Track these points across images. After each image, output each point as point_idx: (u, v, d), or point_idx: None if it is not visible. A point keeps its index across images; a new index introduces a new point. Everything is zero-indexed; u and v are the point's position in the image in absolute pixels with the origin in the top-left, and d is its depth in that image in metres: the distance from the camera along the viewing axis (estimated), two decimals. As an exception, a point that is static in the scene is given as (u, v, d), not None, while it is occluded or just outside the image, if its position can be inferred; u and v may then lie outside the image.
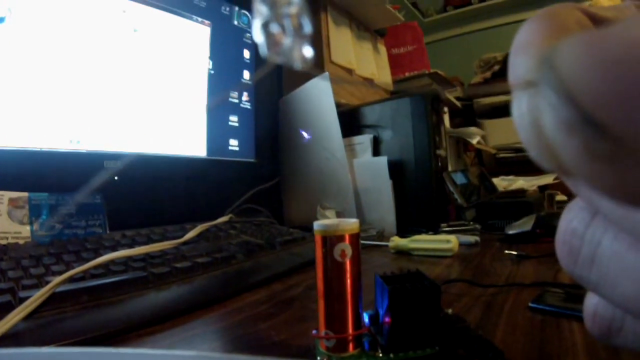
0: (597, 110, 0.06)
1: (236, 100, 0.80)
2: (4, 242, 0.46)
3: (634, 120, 0.06)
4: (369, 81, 1.21)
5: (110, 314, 0.32)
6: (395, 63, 1.46)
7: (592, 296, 0.13)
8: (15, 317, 0.28)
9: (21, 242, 0.47)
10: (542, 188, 1.07)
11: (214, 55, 0.75)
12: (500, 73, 2.26)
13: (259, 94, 0.85)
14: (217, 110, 0.76)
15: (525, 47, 0.09)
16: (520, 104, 0.08)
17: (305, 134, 0.86)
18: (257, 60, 0.83)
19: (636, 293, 0.10)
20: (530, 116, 0.08)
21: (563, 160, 0.07)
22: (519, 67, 0.09)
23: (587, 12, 0.12)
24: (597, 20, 0.12)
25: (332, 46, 1.04)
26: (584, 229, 0.12)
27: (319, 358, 0.25)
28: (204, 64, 0.73)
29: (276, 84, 0.98)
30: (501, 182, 1.14)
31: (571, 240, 0.12)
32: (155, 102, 0.66)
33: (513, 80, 0.09)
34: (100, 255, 0.39)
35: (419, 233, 0.62)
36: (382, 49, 1.37)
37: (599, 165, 0.07)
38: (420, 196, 0.82)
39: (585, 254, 0.12)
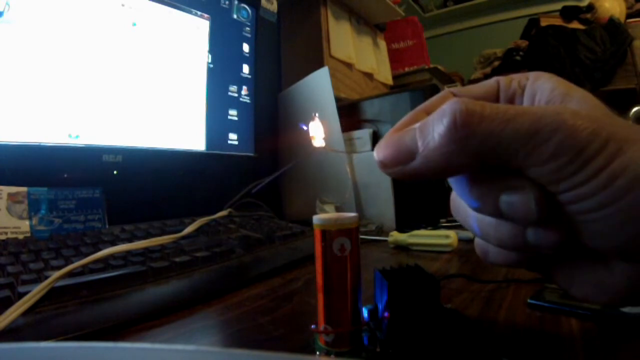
0: (380, 159, 0.21)
1: (235, 94, 0.80)
2: (3, 237, 0.46)
3: (389, 163, 0.20)
4: (368, 76, 1.21)
5: (110, 309, 0.32)
6: (395, 58, 1.45)
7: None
8: (14, 312, 0.28)
9: (20, 237, 0.47)
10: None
11: (213, 49, 0.74)
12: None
13: (259, 88, 0.85)
14: (217, 104, 0.76)
15: (391, 129, 0.22)
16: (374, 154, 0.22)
17: (305, 127, 0.85)
18: (257, 53, 0.83)
19: (472, 226, 0.22)
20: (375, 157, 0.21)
21: None
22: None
23: (457, 95, 0.23)
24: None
25: (331, 41, 1.04)
26: (455, 195, 0.22)
27: (318, 352, 0.25)
28: (203, 58, 0.73)
29: (276, 78, 0.97)
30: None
31: (453, 200, 0.23)
32: (154, 96, 0.65)
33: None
34: (100, 249, 0.39)
35: (418, 228, 0.62)
36: (382, 43, 1.37)
37: (383, 169, 0.21)
38: (419, 191, 0.82)
39: (455, 207, 0.23)
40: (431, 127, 0.18)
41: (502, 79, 0.24)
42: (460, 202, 0.22)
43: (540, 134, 0.16)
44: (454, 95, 0.24)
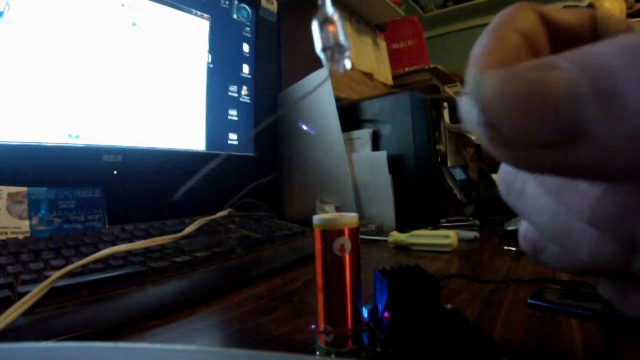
0: (493, 119, 0.10)
1: (235, 94, 0.80)
2: (3, 237, 0.46)
3: (512, 126, 0.10)
4: (368, 76, 1.21)
5: (110, 309, 0.32)
6: (395, 58, 1.45)
7: (524, 222, 0.17)
8: (14, 312, 0.28)
9: (20, 237, 0.47)
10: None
11: (213, 49, 0.74)
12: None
13: (259, 88, 0.85)
14: (217, 104, 0.76)
15: (472, 63, 0.13)
16: (463, 103, 0.11)
17: (305, 127, 0.85)
18: (257, 53, 0.83)
19: (549, 224, 0.15)
20: (465, 112, 0.11)
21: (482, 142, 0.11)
22: (467, 78, 0.12)
23: (543, 14, 0.15)
24: (551, 23, 0.15)
25: (331, 40, 1.04)
26: (516, 172, 0.16)
27: (318, 352, 0.25)
28: (203, 58, 0.73)
29: (276, 78, 0.97)
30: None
31: (507, 177, 0.16)
32: (155, 96, 0.65)
33: (465, 86, 0.12)
34: (100, 249, 0.39)
35: (418, 228, 0.62)
36: (382, 43, 1.37)
37: (497, 148, 0.11)
38: (419, 191, 0.82)
39: (517, 189, 0.16)
40: (625, 82, 0.09)
41: (600, 16, 0.17)
42: (527, 187, 0.15)
43: None
44: (544, 14, 0.15)
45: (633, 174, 0.10)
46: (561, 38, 0.15)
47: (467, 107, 0.11)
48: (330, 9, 0.21)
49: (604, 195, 0.12)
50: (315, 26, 0.22)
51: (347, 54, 0.22)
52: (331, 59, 0.22)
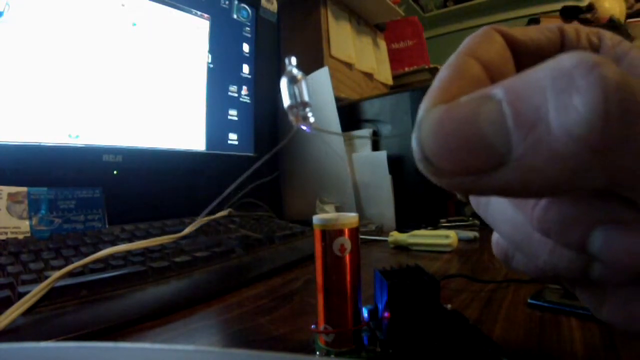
0: (428, 154, 0.11)
1: (235, 94, 0.80)
2: (3, 237, 0.46)
3: (444, 160, 0.11)
4: (368, 76, 1.21)
5: (110, 309, 0.32)
6: (395, 58, 1.45)
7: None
8: (14, 312, 0.28)
9: (20, 237, 0.47)
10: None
11: (213, 49, 0.74)
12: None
13: (259, 87, 0.85)
14: (217, 104, 0.76)
15: (424, 98, 0.13)
16: (412, 140, 0.12)
17: (305, 128, 0.85)
18: (257, 53, 0.83)
19: (512, 234, 0.16)
20: (413, 147, 0.12)
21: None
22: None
23: (508, 37, 0.15)
24: (515, 44, 0.16)
25: (331, 41, 1.04)
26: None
27: (318, 352, 0.25)
28: (203, 58, 0.73)
29: (276, 78, 0.97)
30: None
31: None
32: (155, 96, 0.65)
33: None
34: (100, 249, 0.39)
35: (418, 228, 0.62)
36: (382, 43, 1.36)
37: (433, 178, 0.12)
38: (419, 191, 0.82)
39: (484, 201, 0.17)
40: (543, 109, 0.10)
41: (567, 29, 0.17)
42: (492, 200, 0.16)
43: None
44: (506, 36, 0.15)
45: (560, 192, 0.11)
46: (530, 59, 0.15)
47: (413, 144, 0.12)
48: (296, 70, 0.25)
49: (549, 207, 0.13)
50: (283, 84, 0.25)
51: (309, 109, 0.25)
52: (296, 115, 0.25)
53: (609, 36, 0.16)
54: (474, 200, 0.17)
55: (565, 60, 0.10)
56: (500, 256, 0.18)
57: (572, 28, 0.17)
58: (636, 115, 0.09)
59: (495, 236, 0.18)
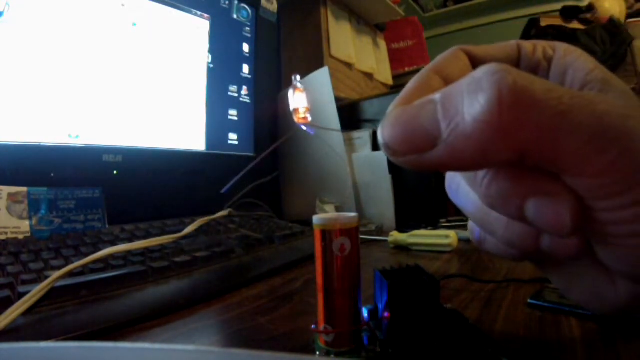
0: (387, 140, 0.15)
1: (235, 94, 0.80)
2: (3, 237, 0.46)
3: (397, 143, 0.15)
4: (368, 76, 1.21)
5: (110, 309, 0.32)
6: (395, 58, 1.45)
7: None
8: (14, 312, 0.28)
9: (20, 237, 0.47)
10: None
11: (213, 49, 0.74)
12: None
13: (259, 88, 0.85)
14: (217, 104, 0.76)
15: (394, 100, 0.17)
16: (379, 128, 0.16)
17: (304, 128, 0.85)
18: (257, 53, 0.83)
19: (475, 214, 0.19)
20: (378, 136, 0.16)
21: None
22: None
23: (471, 55, 0.20)
24: (476, 60, 0.20)
25: (331, 40, 1.04)
26: (454, 175, 0.20)
27: (318, 352, 0.25)
28: (203, 58, 0.73)
29: (276, 78, 0.97)
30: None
31: (448, 179, 0.20)
32: (155, 96, 0.65)
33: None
34: (100, 249, 0.39)
35: (418, 228, 0.62)
36: (382, 43, 1.36)
37: (392, 157, 0.15)
38: (419, 191, 0.82)
39: (454, 188, 0.20)
40: (460, 105, 0.13)
41: (524, 44, 0.20)
42: (460, 185, 0.19)
43: (604, 139, 0.13)
44: (470, 54, 0.20)
45: (479, 164, 0.14)
46: None
47: (378, 134, 0.16)
48: (299, 84, 0.38)
49: (490, 184, 0.15)
50: (290, 93, 0.38)
51: (308, 113, 0.38)
52: (298, 115, 0.37)
53: (563, 48, 0.20)
54: (450, 189, 0.20)
55: (479, 71, 0.13)
56: (474, 240, 0.21)
57: (530, 43, 0.20)
58: (527, 105, 0.12)
59: (470, 222, 0.21)
